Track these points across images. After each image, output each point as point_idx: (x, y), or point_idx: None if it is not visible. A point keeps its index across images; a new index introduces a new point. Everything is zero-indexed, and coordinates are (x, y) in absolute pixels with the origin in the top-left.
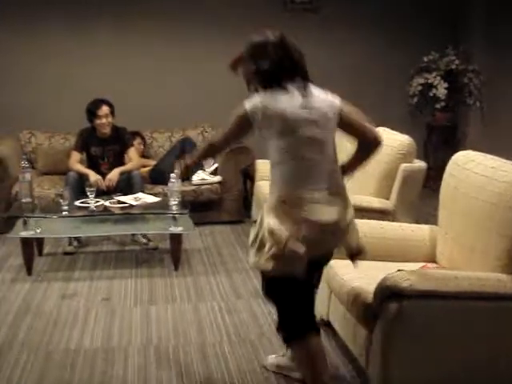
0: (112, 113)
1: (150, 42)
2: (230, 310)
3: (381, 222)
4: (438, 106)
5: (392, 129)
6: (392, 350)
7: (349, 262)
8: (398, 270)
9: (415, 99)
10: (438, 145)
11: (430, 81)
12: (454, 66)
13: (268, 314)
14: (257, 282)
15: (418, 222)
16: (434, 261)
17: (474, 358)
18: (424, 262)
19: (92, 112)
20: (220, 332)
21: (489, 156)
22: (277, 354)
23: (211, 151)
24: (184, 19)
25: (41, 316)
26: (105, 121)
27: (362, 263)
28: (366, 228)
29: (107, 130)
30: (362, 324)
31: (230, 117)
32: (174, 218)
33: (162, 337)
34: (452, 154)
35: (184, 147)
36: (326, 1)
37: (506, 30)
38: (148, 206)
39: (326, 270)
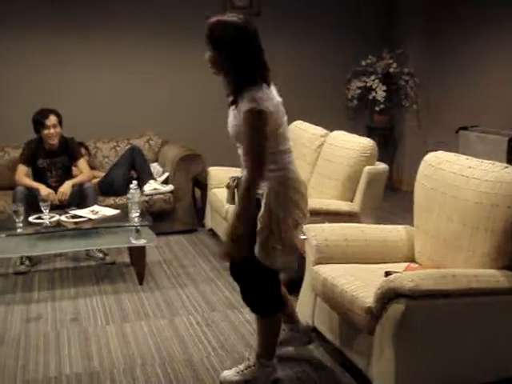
0: (60, 123)
1: (92, 50)
2: (207, 322)
3: (359, 224)
4: (377, 108)
5: (331, 131)
6: (398, 350)
7: (334, 266)
8: (386, 272)
9: (354, 102)
10: (377, 146)
11: (368, 84)
12: (391, 70)
13: (246, 322)
14: (227, 292)
15: (379, 223)
16: (412, 261)
17: (476, 352)
18: (403, 262)
19: (39, 122)
20: (204, 346)
21: (461, 156)
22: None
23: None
24: (128, 25)
25: (8, 343)
26: (53, 131)
27: (345, 266)
28: (347, 231)
29: (55, 141)
30: (361, 327)
31: (246, 124)
32: (137, 231)
33: (146, 356)
34: (392, 155)
35: (134, 157)
36: (266, 5)
37: (439, 33)
38: (108, 219)
39: (310, 275)
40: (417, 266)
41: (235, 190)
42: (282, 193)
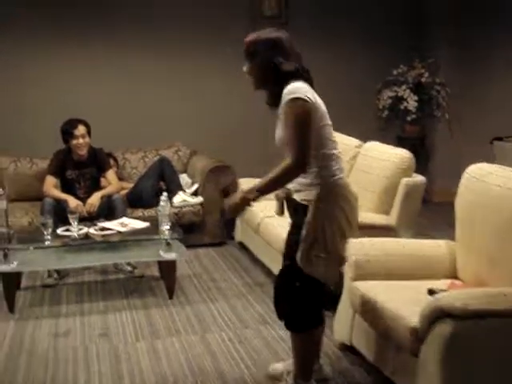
0: (89, 133)
1: (121, 58)
2: (240, 339)
3: (399, 239)
4: (408, 118)
5: (364, 142)
6: (445, 373)
7: (374, 282)
8: (429, 289)
9: (385, 112)
10: None
11: (399, 94)
12: (423, 79)
13: (280, 339)
14: (259, 307)
15: (416, 237)
16: (454, 277)
17: None
18: (445, 278)
19: (68, 132)
20: (237, 363)
21: (506, 168)
22: (284, 362)
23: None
24: (156, 36)
25: (37, 357)
26: (82, 141)
27: (385, 283)
28: (387, 246)
29: (84, 152)
30: (405, 347)
31: (291, 114)
32: (168, 244)
33: (178, 374)
34: (423, 166)
35: (163, 168)
36: (295, 14)
37: (469, 42)
38: (137, 232)
39: (349, 291)
40: (460, 283)
41: (284, 201)
42: (330, 201)
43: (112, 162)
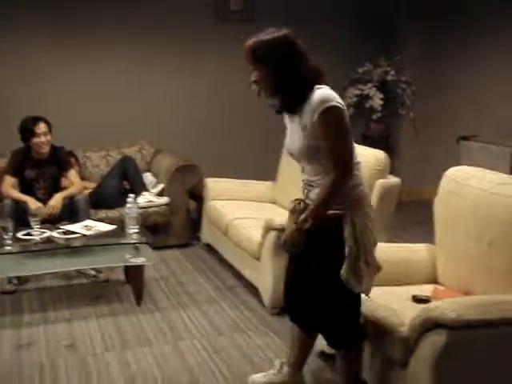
0: (50, 131)
1: (83, 55)
2: (215, 348)
3: (379, 243)
4: (374, 116)
5: None
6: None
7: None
8: (414, 296)
9: (350, 110)
10: None
11: (365, 92)
12: (389, 77)
13: (257, 347)
14: (232, 313)
15: (390, 239)
16: (435, 282)
17: None
18: (426, 283)
19: (29, 130)
20: (214, 375)
21: (488, 171)
22: (265, 373)
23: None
24: (118, 33)
25: None
26: (44, 139)
27: None
28: None
29: (46, 150)
30: (393, 359)
31: (330, 120)
32: (136, 248)
33: None
34: None
35: (126, 167)
36: (262, 10)
37: (437, 41)
38: (103, 235)
39: None
40: (443, 288)
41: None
42: (361, 211)
43: (73, 160)
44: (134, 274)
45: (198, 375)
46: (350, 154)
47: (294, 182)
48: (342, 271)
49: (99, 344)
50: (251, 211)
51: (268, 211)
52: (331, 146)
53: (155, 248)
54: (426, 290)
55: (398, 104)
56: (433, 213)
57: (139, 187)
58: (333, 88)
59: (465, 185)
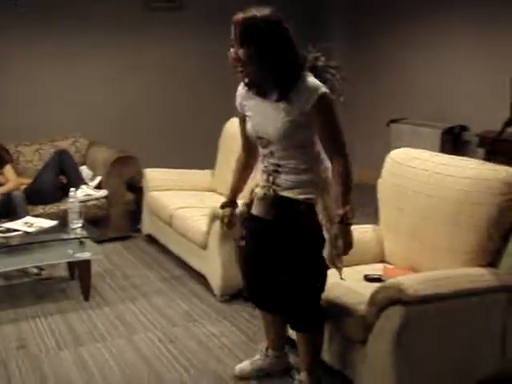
0: None
1: (8, 43)
2: (170, 339)
3: None
4: None
5: None
6: (396, 358)
7: None
8: (366, 276)
9: None
10: None
11: None
12: (319, 63)
13: (212, 335)
14: (182, 303)
15: None
16: (382, 260)
17: (477, 350)
18: (375, 262)
19: None
20: (174, 367)
21: (430, 153)
22: (250, 360)
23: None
24: (51, 24)
25: None
26: None
27: None
28: None
29: None
30: (352, 337)
31: (326, 108)
32: (81, 243)
33: (113, 383)
34: None
35: (62, 161)
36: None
37: (365, 25)
38: (46, 232)
39: None
40: (392, 267)
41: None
42: (329, 193)
43: (7, 155)
44: (80, 270)
45: (157, 367)
46: (343, 137)
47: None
48: (326, 252)
49: (51, 343)
50: (193, 200)
51: (209, 199)
52: (331, 132)
53: (95, 242)
54: (376, 268)
55: (328, 89)
56: (374, 194)
57: (77, 181)
58: None
59: (408, 166)
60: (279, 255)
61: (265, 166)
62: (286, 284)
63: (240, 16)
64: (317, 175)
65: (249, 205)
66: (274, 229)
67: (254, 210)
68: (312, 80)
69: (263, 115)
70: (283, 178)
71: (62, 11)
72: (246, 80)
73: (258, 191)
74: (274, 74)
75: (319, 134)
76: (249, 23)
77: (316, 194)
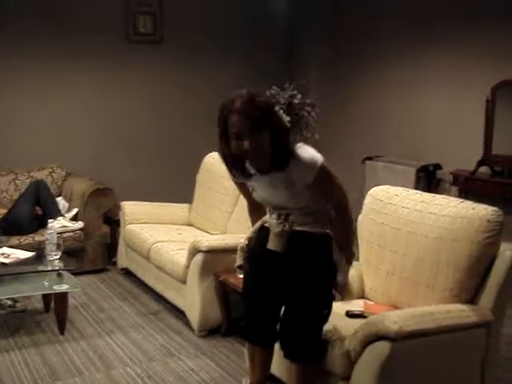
0: None
1: None
2: (149, 374)
3: None
4: None
5: None
6: None
7: None
8: (347, 312)
9: None
10: None
11: None
12: (296, 100)
13: (190, 370)
14: (160, 338)
15: None
16: (363, 297)
17: (459, 381)
18: (355, 299)
19: None
20: None
21: (410, 190)
22: None
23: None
24: (21, 50)
25: None
26: None
27: None
28: None
29: None
30: (335, 373)
31: (326, 177)
32: (59, 275)
33: None
34: None
35: (38, 191)
36: (169, 32)
37: (341, 63)
38: (24, 263)
39: None
40: (373, 303)
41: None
42: None
43: None
44: (56, 302)
45: None
46: (345, 192)
47: (214, 205)
48: (339, 278)
49: (27, 377)
50: (171, 234)
51: (187, 233)
52: (334, 195)
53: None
54: (357, 304)
55: (303, 126)
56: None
57: (54, 212)
58: None
59: (388, 203)
60: (292, 285)
61: (270, 206)
62: (295, 310)
63: (238, 105)
64: (327, 216)
65: (250, 239)
66: (287, 260)
67: (270, 245)
68: (305, 150)
69: (264, 187)
70: (298, 215)
71: (41, 42)
72: (257, 166)
73: (274, 227)
74: (274, 151)
75: (323, 195)
76: (251, 109)
77: (329, 229)
